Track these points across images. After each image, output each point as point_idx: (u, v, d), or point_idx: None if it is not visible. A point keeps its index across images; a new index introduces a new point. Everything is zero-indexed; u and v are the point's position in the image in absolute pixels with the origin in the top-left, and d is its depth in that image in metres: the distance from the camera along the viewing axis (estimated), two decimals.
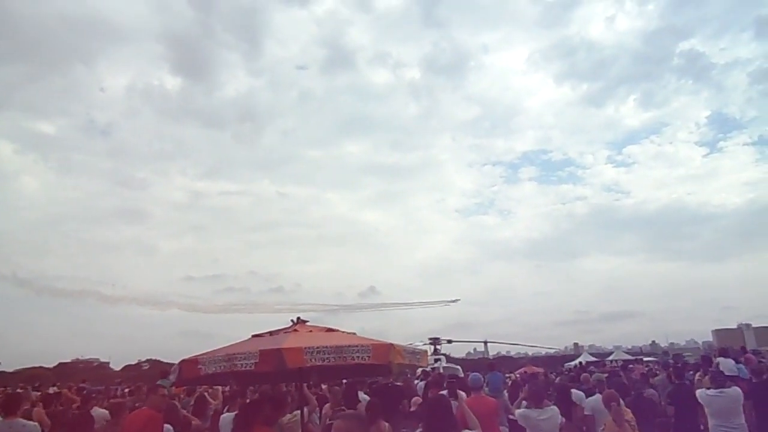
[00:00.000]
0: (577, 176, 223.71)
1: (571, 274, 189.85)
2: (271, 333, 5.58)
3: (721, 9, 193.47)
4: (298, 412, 6.26)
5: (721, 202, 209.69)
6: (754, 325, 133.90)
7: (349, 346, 4.85)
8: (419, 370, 14.37)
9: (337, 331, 5.71)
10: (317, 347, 4.67)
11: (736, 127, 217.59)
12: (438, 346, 39.72)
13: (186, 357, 5.17)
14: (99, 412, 7.24)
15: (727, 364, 11.08)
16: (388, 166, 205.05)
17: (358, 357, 4.84)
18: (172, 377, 5.37)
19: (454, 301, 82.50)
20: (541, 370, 19.46)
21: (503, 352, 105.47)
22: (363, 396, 8.13)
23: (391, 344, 5.07)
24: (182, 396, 11.82)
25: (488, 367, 13.93)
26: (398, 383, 9.66)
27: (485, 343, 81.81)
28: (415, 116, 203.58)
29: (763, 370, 9.08)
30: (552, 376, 15.69)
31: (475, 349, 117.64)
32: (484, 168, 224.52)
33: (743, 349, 17.63)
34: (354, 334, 5.73)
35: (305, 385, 7.93)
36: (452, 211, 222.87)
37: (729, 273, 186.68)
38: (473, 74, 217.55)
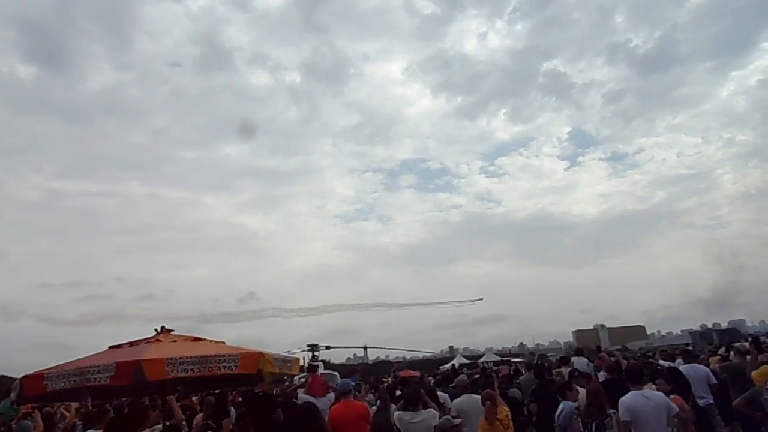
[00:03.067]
0: (453, 185, 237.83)
1: (447, 279, 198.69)
2: (130, 344, 5.24)
3: (580, 34, 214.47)
4: (158, 426, 5.92)
5: (580, 212, 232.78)
6: (608, 326, 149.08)
7: (216, 355, 4.69)
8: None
9: (205, 340, 5.50)
10: (180, 358, 4.47)
11: (592, 143, 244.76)
12: (316, 353, 39.68)
13: (30, 372, 4.70)
14: None
15: (581, 363, 12.19)
16: (267, 170, 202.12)
17: (224, 367, 4.70)
18: (13, 395, 4.86)
19: (478, 300, 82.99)
20: (417, 373, 20.06)
21: (383, 357, 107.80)
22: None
23: (260, 352, 4.99)
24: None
25: (350, 372, 14.21)
26: (273, 392, 9.47)
27: (365, 348, 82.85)
28: (295, 120, 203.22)
29: (615, 368, 9.95)
30: (428, 379, 16.23)
31: (355, 355, 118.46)
32: (365, 175, 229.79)
33: (598, 349, 19.45)
34: (223, 343, 5.55)
35: (174, 396, 7.56)
36: (333, 216, 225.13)
37: (587, 278, 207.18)
38: (353, 81, 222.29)
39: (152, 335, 5.41)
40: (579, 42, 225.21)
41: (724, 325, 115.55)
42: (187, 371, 4.49)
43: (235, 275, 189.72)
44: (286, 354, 5.66)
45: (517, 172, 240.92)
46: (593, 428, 5.84)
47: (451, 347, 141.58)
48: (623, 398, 5.24)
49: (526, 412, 9.48)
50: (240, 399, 10.01)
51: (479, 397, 6.65)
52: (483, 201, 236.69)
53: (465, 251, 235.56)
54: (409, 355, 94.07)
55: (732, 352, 10.74)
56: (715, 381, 8.15)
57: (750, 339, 7.07)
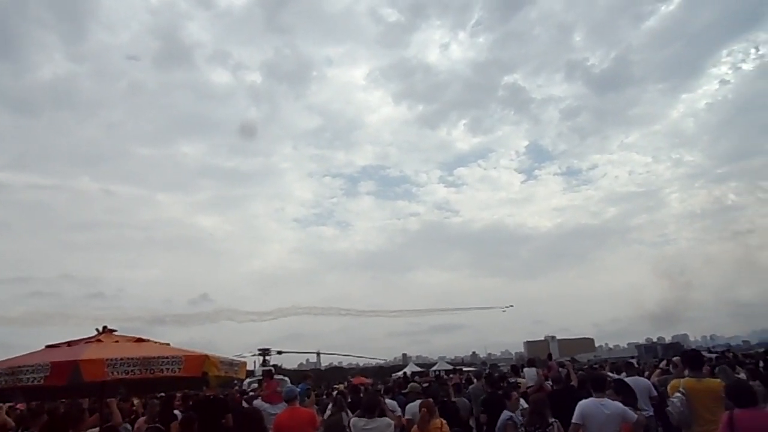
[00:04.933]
0: (412, 193, 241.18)
1: (403, 286, 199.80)
2: (69, 343, 5.06)
3: (540, 49, 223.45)
4: (95, 430, 5.71)
5: (535, 224, 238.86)
6: (558, 338, 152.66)
7: (158, 357, 4.59)
8: None
9: (149, 341, 5.35)
10: (121, 359, 4.36)
11: (548, 158, 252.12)
12: (267, 357, 39.13)
13: None
14: None
15: (530, 374, 12.41)
16: (226, 170, 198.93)
17: (167, 369, 4.60)
18: None
19: (509, 307, 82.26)
20: (369, 380, 20.04)
21: (335, 363, 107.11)
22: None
23: (206, 355, 4.90)
24: None
25: (302, 378, 14.08)
26: (221, 396, 9.29)
27: (318, 354, 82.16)
28: (255, 121, 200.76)
29: (561, 379, 10.22)
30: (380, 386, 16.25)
31: (307, 360, 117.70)
32: (324, 179, 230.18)
33: (550, 357, 19.79)
34: (168, 344, 5.42)
35: (116, 399, 7.30)
36: (291, 220, 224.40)
37: (540, 290, 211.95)
38: (315, 85, 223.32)
39: (93, 335, 5.23)
40: (539, 57, 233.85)
41: (668, 339, 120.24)
42: (128, 373, 4.38)
43: (189, 276, 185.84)
44: (234, 358, 5.55)
45: (476, 183, 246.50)
46: None
47: (404, 355, 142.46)
48: (580, 402, 5.49)
49: (474, 422, 9.57)
50: (190, 403, 9.73)
51: None
52: (441, 210, 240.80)
53: (422, 259, 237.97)
54: (362, 362, 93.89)
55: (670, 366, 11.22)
56: (656, 393, 8.44)
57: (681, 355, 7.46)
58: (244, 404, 10.33)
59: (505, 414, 6.93)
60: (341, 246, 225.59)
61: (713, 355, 17.80)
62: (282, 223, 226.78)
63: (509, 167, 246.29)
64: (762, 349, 26.51)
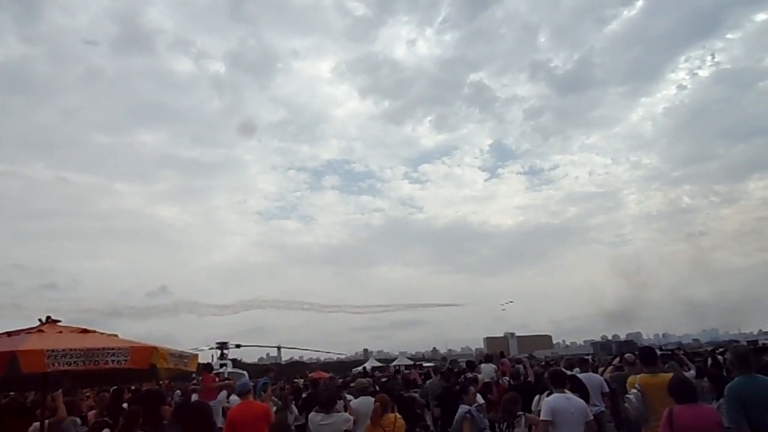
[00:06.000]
0: (377, 189, 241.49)
1: (366, 281, 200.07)
2: (9, 334, 4.85)
3: (505, 49, 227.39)
4: (38, 424, 5.51)
5: (497, 222, 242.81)
6: (518, 334, 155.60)
7: (104, 349, 4.43)
8: None
9: (95, 332, 5.16)
10: (63, 350, 4.20)
11: (511, 156, 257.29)
12: (225, 351, 38.57)
13: None
14: None
15: (487, 369, 12.59)
16: (187, 161, 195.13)
17: (113, 361, 4.45)
18: None
19: (508, 303, 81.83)
20: (329, 375, 20.02)
21: (296, 358, 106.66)
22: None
23: (155, 347, 4.76)
24: None
25: (264, 371, 13.92)
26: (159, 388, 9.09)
27: (278, 348, 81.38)
28: (218, 111, 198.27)
29: (518, 375, 10.43)
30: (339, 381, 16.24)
31: (268, 354, 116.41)
32: (289, 172, 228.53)
33: (502, 354, 20.13)
34: (115, 336, 5.25)
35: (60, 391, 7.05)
36: (253, 213, 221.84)
37: (501, 286, 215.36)
38: (281, 77, 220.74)
39: (35, 326, 5.02)
40: (504, 57, 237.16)
41: (623, 337, 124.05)
42: (70, 364, 4.23)
43: (148, 268, 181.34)
44: (185, 350, 5.41)
45: (440, 180, 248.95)
46: (504, 427, 6.31)
47: (365, 350, 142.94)
48: (547, 399, 5.50)
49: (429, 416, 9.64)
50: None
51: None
52: (405, 206, 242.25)
53: (385, 255, 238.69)
54: (323, 357, 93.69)
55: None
56: (608, 389, 8.66)
57: (638, 352, 7.72)
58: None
59: (463, 408, 6.94)
60: (304, 240, 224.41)
61: (664, 353, 18.42)
62: (244, 216, 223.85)
63: (473, 165, 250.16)
64: (711, 348, 27.59)
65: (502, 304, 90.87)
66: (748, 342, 28.95)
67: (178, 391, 13.89)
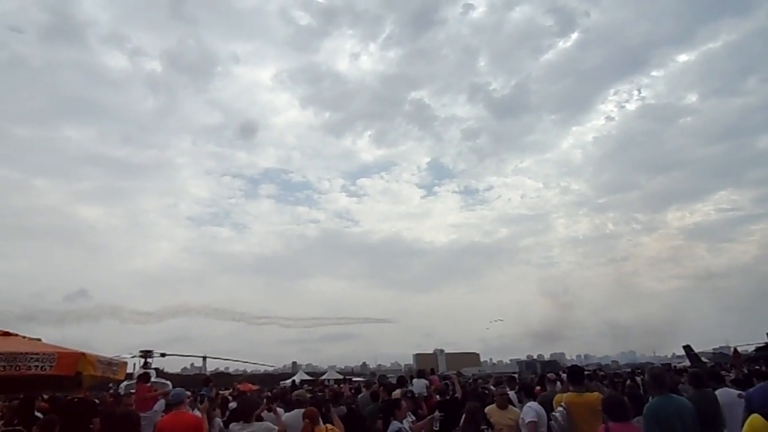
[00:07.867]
0: (313, 200, 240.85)
1: (297, 293, 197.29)
2: None
3: (446, 70, 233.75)
4: None
5: (431, 239, 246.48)
6: (446, 351, 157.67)
7: (27, 353, 4.22)
8: None
9: (16, 336, 4.89)
10: None
11: (448, 175, 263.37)
12: (149, 360, 37.11)
13: None
14: None
15: (419, 384, 12.76)
16: (115, 160, 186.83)
17: (37, 366, 4.25)
18: None
19: (497, 321, 79.46)
20: (256, 387, 19.58)
21: (222, 368, 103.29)
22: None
23: (82, 353, 4.58)
24: None
25: (204, 382, 13.45)
26: (94, 398, 8.66)
27: (204, 358, 78.63)
28: (152, 111, 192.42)
29: (446, 391, 10.69)
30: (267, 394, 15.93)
31: (192, 365, 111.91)
32: (223, 179, 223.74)
33: (432, 371, 20.49)
34: (39, 340, 4.99)
35: None
36: (184, 218, 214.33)
37: (431, 303, 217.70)
38: (219, 80, 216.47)
39: None
40: (445, 77, 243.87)
41: (547, 356, 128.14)
42: None
43: (65, 270, 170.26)
44: (114, 358, 5.22)
45: (377, 195, 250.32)
46: None
47: (294, 363, 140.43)
48: (532, 404, 6.50)
49: None
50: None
51: None
52: (341, 219, 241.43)
53: (318, 267, 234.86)
54: (250, 368, 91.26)
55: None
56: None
57: (566, 370, 8.18)
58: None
59: (394, 425, 6.75)
60: (236, 248, 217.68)
61: (587, 373, 19.37)
62: (174, 221, 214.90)
63: (410, 182, 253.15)
64: (629, 369, 29.17)
65: (490, 322, 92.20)
66: (662, 365, 30.81)
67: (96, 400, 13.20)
